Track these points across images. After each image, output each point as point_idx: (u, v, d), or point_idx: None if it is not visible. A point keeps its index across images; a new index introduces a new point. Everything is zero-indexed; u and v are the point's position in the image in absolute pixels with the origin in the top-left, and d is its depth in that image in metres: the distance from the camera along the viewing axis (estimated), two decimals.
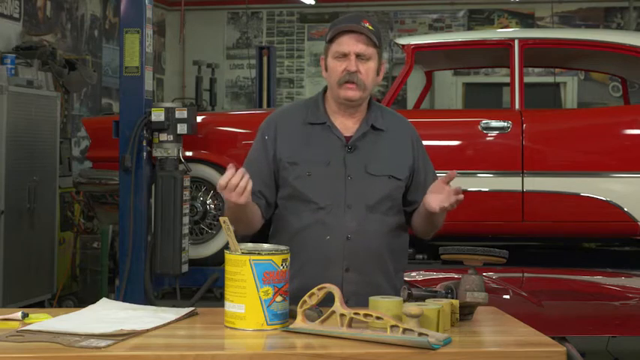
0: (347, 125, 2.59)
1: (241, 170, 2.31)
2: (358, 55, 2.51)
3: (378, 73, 2.57)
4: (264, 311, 2.05)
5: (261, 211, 2.56)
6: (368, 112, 2.61)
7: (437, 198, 2.42)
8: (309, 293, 2.08)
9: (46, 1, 8.35)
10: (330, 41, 2.55)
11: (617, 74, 6.36)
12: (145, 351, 1.86)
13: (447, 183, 2.41)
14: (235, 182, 2.29)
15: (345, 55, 2.51)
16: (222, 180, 2.30)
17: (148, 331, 2.01)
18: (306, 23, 11.27)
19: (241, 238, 2.25)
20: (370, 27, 2.52)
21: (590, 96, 10.41)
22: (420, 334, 1.90)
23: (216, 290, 5.50)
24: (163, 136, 4.95)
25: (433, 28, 10.91)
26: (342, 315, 2.01)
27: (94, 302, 2.33)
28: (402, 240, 2.64)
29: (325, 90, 2.66)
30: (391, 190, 2.56)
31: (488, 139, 4.90)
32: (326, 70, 2.58)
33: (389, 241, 2.56)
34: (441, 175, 2.71)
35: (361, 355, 1.87)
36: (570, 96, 10.56)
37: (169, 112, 4.94)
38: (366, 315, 1.99)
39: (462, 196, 2.41)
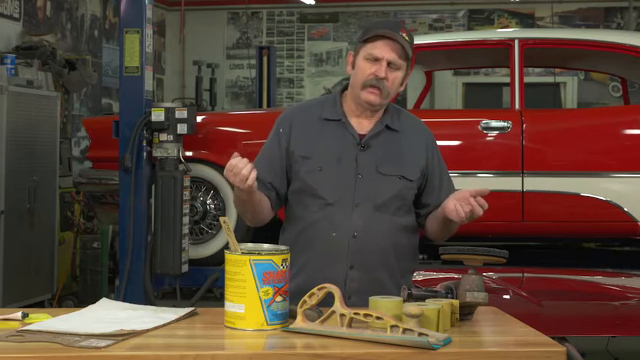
0: (362, 124, 2.60)
1: (245, 160, 2.34)
2: (389, 63, 2.52)
3: (402, 83, 2.59)
4: (264, 311, 2.05)
5: (271, 203, 2.58)
6: (385, 113, 2.62)
7: (458, 208, 2.42)
8: (309, 293, 2.08)
9: (46, 1, 8.35)
10: (365, 41, 2.55)
11: (617, 74, 6.35)
12: (145, 351, 1.86)
13: (474, 197, 2.41)
14: (241, 167, 2.32)
15: (376, 60, 2.52)
16: (228, 164, 2.34)
17: (148, 331, 2.01)
18: (306, 23, 11.27)
19: (242, 238, 2.26)
20: (407, 38, 2.53)
21: (590, 96, 10.41)
22: (420, 334, 1.90)
23: (216, 290, 5.50)
24: (163, 136, 4.95)
25: (433, 28, 10.91)
26: (342, 315, 2.01)
27: (94, 302, 2.33)
28: (410, 240, 2.63)
29: (343, 89, 2.67)
30: (401, 191, 2.57)
31: (488, 139, 4.90)
32: (353, 67, 2.59)
33: (396, 241, 2.56)
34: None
35: (361, 355, 1.86)
36: (570, 96, 10.56)
37: (169, 112, 4.94)
38: (366, 315, 1.99)
39: (481, 212, 2.41)
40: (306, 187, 2.55)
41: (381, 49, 2.51)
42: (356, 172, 2.54)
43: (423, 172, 2.61)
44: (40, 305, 6.08)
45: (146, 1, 5.01)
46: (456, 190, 2.59)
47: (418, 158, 2.61)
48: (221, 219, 2.17)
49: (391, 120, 2.61)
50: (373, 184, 2.54)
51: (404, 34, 2.52)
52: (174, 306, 2.33)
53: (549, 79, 9.47)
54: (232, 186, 2.45)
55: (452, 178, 2.72)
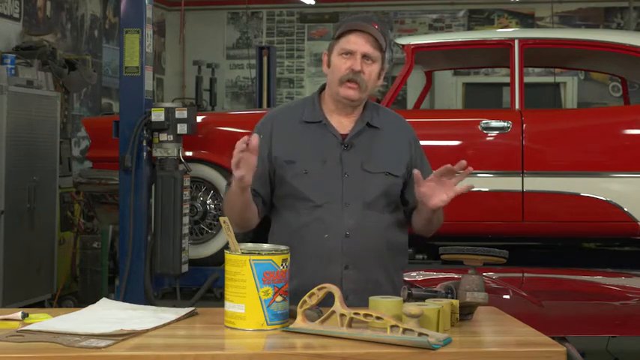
0: (343, 123, 2.59)
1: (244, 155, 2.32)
2: (364, 56, 2.51)
3: (379, 77, 2.58)
4: (264, 311, 2.05)
5: (258, 209, 2.56)
6: (364, 110, 2.62)
7: (435, 193, 2.43)
8: (309, 293, 2.08)
9: (46, 1, 8.35)
10: (338, 38, 2.54)
11: (617, 74, 6.36)
12: (145, 351, 1.86)
13: (441, 176, 2.42)
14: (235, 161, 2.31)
15: (351, 54, 2.51)
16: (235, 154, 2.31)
17: (147, 331, 2.01)
18: (306, 23, 11.27)
19: (242, 238, 2.25)
20: (378, 29, 2.52)
21: (590, 96, 10.41)
22: (420, 334, 1.90)
23: (216, 290, 5.50)
24: (163, 136, 4.95)
25: (433, 28, 10.91)
26: (342, 315, 2.01)
27: (94, 302, 2.32)
28: (401, 237, 2.64)
29: (321, 89, 2.66)
30: (388, 187, 2.57)
31: (488, 139, 4.91)
32: (328, 66, 2.58)
33: (387, 238, 2.56)
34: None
35: (361, 355, 1.86)
36: (570, 96, 10.57)
37: (169, 112, 4.94)
38: (366, 315, 1.99)
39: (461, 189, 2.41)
40: (294, 191, 2.54)
41: (355, 43, 2.50)
42: (342, 171, 2.53)
43: (407, 168, 2.60)
44: (40, 305, 6.07)
45: (146, 1, 5.02)
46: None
47: (402, 154, 2.61)
48: (221, 219, 2.17)
49: (371, 117, 2.60)
50: (360, 183, 2.53)
51: (376, 27, 2.51)
52: (174, 306, 2.33)
53: (549, 79, 9.47)
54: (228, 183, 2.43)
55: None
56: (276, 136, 2.57)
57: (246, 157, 2.32)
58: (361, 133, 2.57)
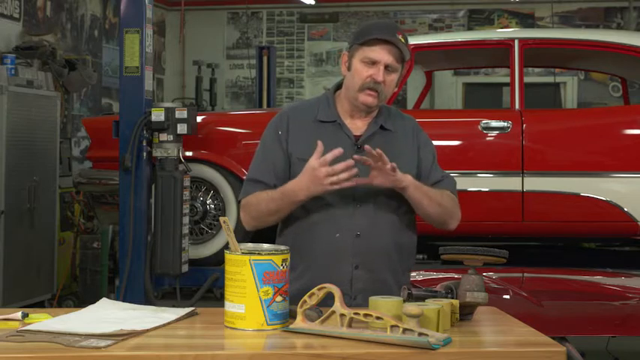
0: (357, 125, 2.62)
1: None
2: (386, 66, 2.54)
3: (396, 85, 2.62)
4: (264, 311, 2.05)
5: None
6: (377, 113, 2.65)
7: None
8: (309, 293, 2.08)
9: (46, 1, 8.35)
10: (362, 44, 2.55)
11: (617, 74, 6.36)
12: (145, 351, 1.86)
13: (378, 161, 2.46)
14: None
15: (374, 63, 2.54)
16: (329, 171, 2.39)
17: (147, 331, 2.01)
18: (306, 23, 11.27)
19: (242, 238, 2.25)
20: (402, 40, 2.55)
21: (590, 96, 10.40)
22: (420, 334, 1.90)
23: (216, 290, 5.50)
24: (163, 136, 4.95)
25: (433, 28, 10.90)
26: (342, 315, 2.01)
27: (94, 302, 2.33)
28: (410, 238, 2.65)
29: (336, 89, 2.68)
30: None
31: (488, 139, 4.91)
32: (348, 68, 2.60)
33: (397, 239, 2.58)
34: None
35: (361, 355, 1.86)
36: (570, 96, 10.56)
37: (169, 112, 4.94)
38: (366, 315, 1.99)
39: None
40: None
41: (379, 53, 2.53)
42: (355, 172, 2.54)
43: (417, 170, 2.62)
44: (40, 305, 6.08)
45: (146, 1, 5.01)
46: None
47: (412, 157, 2.63)
48: (221, 219, 2.17)
49: (384, 120, 2.64)
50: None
51: (399, 37, 2.54)
52: (174, 306, 2.33)
53: (549, 79, 9.47)
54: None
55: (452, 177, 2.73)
56: (292, 132, 2.60)
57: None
58: (374, 135, 2.60)
